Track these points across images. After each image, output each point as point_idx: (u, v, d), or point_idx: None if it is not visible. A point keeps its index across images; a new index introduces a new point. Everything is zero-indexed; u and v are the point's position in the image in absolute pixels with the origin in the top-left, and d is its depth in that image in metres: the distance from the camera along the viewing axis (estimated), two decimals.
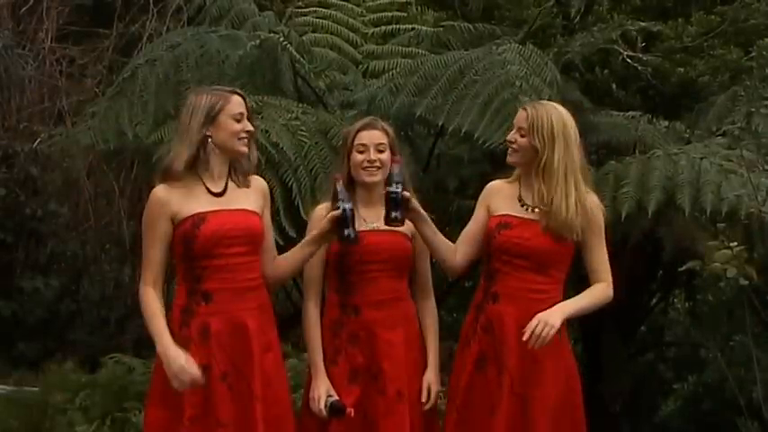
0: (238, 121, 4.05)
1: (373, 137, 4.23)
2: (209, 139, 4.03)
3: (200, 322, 3.99)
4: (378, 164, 4.21)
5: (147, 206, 4.09)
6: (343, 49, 6.78)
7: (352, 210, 4.06)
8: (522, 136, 4.14)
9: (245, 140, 4.07)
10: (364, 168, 4.21)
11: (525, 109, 4.19)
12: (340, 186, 4.12)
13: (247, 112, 4.08)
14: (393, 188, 4.06)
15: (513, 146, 4.17)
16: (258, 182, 4.21)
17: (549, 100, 4.84)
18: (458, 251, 4.21)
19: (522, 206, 4.19)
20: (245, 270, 4.01)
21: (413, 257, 4.25)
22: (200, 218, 3.99)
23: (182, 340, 3.98)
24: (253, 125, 4.12)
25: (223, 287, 4.00)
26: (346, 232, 4.03)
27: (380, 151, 4.22)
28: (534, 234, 4.13)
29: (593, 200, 4.22)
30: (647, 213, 5.43)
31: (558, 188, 4.10)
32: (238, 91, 4.16)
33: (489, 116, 5.42)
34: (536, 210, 4.17)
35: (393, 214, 4.07)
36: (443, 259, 4.23)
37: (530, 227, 4.14)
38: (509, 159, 4.19)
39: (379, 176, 4.21)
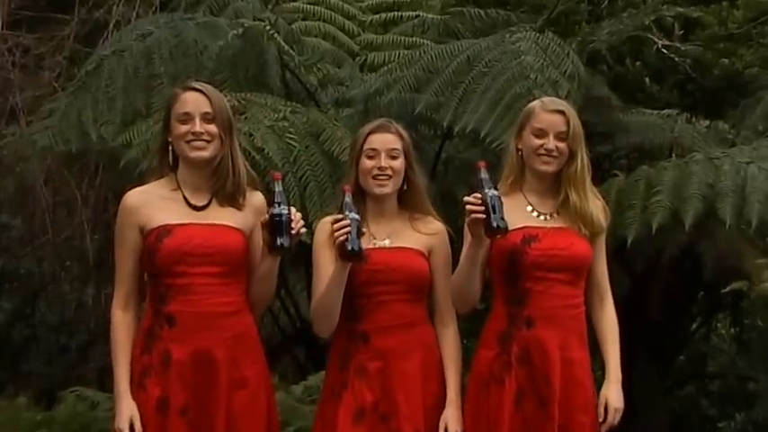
0: (183, 122, 4.10)
1: (386, 141, 4.26)
2: (170, 146, 4.15)
3: (161, 349, 4.05)
4: (389, 172, 4.25)
5: (118, 213, 4.17)
6: (338, 39, 6.83)
7: (288, 216, 3.99)
8: (561, 141, 4.23)
9: (195, 144, 4.09)
10: (374, 177, 4.25)
11: (562, 112, 4.25)
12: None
13: (214, 110, 4.04)
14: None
15: (554, 153, 4.24)
16: (254, 198, 4.22)
17: (569, 95, 4.94)
18: None
19: (539, 216, 4.28)
20: (217, 293, 4.05)
21: (429, 278, 4.28)
22: (165, 230, 4.06)
23: (141, 368, 4.06)
24: (227, 126, 4.14)
25: (186, 310, 4.05)
26: (279, 241, 4.00)
27: (393, 158, 4.26)
28: (570, 242, 4.23)
29: (603, 203, 4.38)
30: (683, 226, 5.50)
31: (589, 193, 4.26)
32: (195, 86, 4.18)
33: (499, 113, 5.47)
34: (553, 216, 4.28)
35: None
36: (474, 296, 4.24)
37: (562, 235, 4.24)
38: (548, 168, 4.24)
39: (390, 187, 4.26)
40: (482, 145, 5.70)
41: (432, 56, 5.94)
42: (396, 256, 4.25)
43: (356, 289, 4.21)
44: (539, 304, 4.20)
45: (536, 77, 5.58)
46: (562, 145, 4.22)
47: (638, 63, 7.47)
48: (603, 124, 6.44)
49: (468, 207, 4.06)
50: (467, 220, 4.09)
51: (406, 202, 4.34)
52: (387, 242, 4.27)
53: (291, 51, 6.18)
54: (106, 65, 6.21)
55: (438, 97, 5.76)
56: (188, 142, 4.14)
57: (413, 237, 4.31)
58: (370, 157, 4.26)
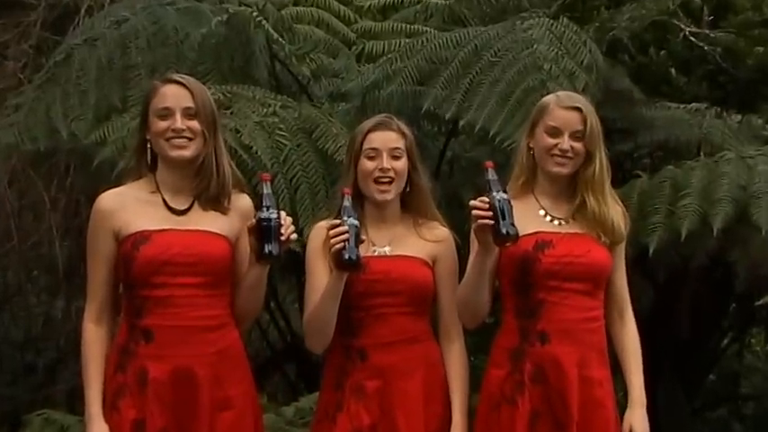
0: (163, 118, 4.12)
1: (387, 140, 4.28)
2: (148, 144, 4.17)
3: (137, 366, 4.06)
4: (392, 174, 4.26)
5: (90, 218, 4.18)
6: (333, 27, 6.84)
7: (278, 221, 4.00)
8: (577, 140, 4.25)
9: (176, 142, 4.10)
10: (375, 180, 4.27)
11: (579, 109, 4.27)
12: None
13: (196, 105, 4.06)
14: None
15: (569, 154, 4.26)
16: (240, 201, 4.23)
17: (586, 88, 4.95)
18: None
19: (553, 220, 4.31)
20: (199, 306, 4.06)
21: (433, 289, 4.29)
22: (142, 237, 4.07)
23: (115, 388, 4.07)
24: (212, 123, 4.16)
25: (165, 324, 4.06)
26: (267, 248, 4.01)
27: (396, 158, 4.28)
28: (587, 248, 4.24)
29: (622, 208, 4.38)
30: (712, 231, 5.52)
31: (608, 198, 4.27)
32: (176, 78, 4.21)
33: (510, 108, 5.49)
34: (569, 221, 4.30)
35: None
36: (483, 309, 4.24)
37: (578, 241, 4.25)
38: (562, 170, 4.26)
39: (392, 192, 4.28)
40: (490, 143, 5.71)
41: (436, 45, 5.96)
42: (397, 264, 4.26)
43: (353, 301, 4.22)
44: (553, 317, 4.20)
45: (550, 69, 5.60)
46: (578, 145, 4.24)
47: (662, 52, 7.50)
48: (624, 120, 6.46)
49: (474, 212, 4.06)
50: (473, 226, 4.09)
51: (409, 205, 4.36)
52: (387, 249, 4.29)
53: (281, 40, 6.19)
54: (77, 54, 6.23)
55: (443, 91, 5.78)
56: (168, 140, 4.16)
57: (416, 244, 4.32)
58: (370, 158, 4.28)
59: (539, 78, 5.55)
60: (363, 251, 4.15)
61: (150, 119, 4.17)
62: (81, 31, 6.70)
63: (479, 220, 4.05)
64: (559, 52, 5.72)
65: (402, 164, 4.29)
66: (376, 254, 4.27)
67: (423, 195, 4.36)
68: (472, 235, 4.15)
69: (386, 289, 4.22)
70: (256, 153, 5.53)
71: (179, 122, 4.12)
